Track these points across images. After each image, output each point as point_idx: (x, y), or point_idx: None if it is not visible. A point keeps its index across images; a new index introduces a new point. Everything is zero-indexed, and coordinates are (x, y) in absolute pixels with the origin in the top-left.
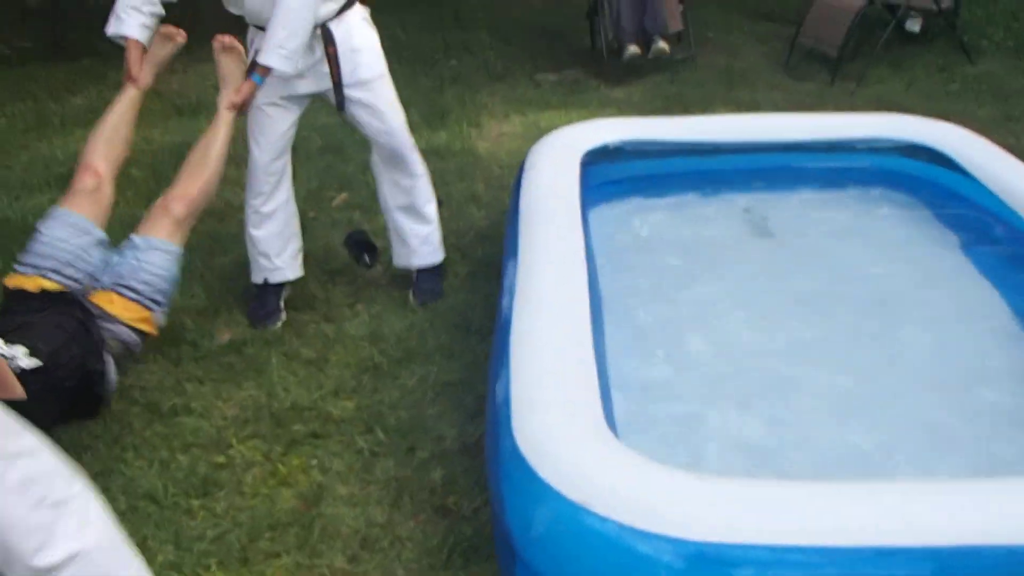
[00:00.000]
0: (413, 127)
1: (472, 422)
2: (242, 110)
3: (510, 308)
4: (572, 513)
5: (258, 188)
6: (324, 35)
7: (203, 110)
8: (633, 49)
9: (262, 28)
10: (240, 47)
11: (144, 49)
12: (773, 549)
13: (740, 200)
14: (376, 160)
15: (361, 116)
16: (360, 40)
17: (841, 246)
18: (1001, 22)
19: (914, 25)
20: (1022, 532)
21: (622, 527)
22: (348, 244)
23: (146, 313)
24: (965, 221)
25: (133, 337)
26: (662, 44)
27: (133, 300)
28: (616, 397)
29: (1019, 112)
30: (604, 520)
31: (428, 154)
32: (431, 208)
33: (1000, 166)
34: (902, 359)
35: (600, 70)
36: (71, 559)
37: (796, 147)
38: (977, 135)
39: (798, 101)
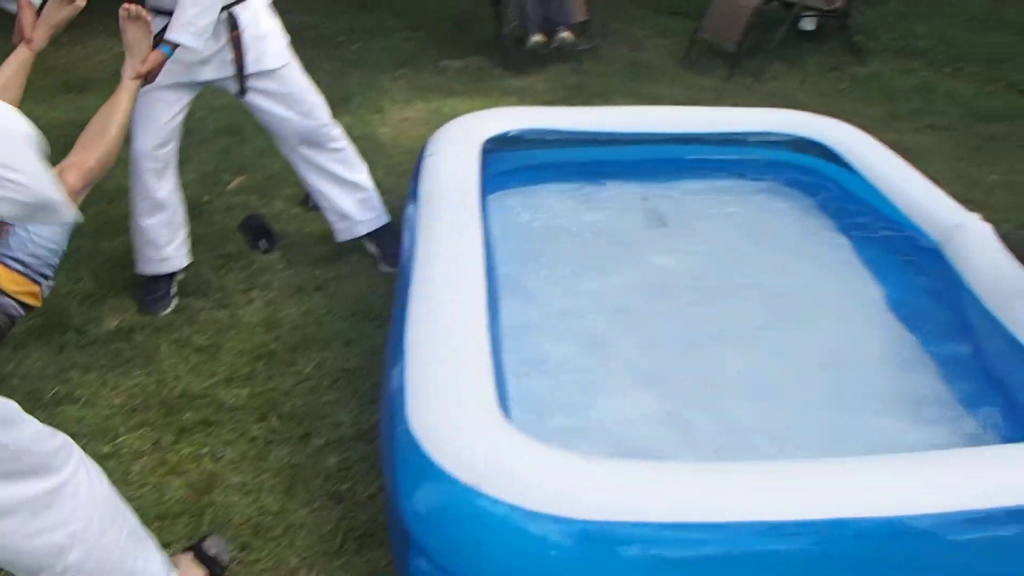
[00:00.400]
0: None
1: (369, 409)
2: (148, 80)
3: (406, 293)
4: (464, 495)
5: (142, 177)
6: (229, 20)
7: (92, 87)
8: (537, 38)
9: (162, 12)
10: (147, 16)
11: (37, 12)
12: (659, 526)
13: (637, 190)
14: (290, 145)
15: (267, 105)
16: (266, 27)
17: (733, 236)
18: (890, 24)
19: (809, 24)
20: (898, 505)
21: (513, 508)
22: (244, 229)
23: (33, 287)
24: (851, 214)
25: (17, 310)
26: (566, 34)
27: (21, 273)
28: (511, 381)
29: (904, 111)
30: (495, 501)
31: None
32: (363, 174)
33: (884, 162)
34: (790, 346)
35: (504, 58)
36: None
37: (692, 139)
38: (863, 132)
39: (697, 95)
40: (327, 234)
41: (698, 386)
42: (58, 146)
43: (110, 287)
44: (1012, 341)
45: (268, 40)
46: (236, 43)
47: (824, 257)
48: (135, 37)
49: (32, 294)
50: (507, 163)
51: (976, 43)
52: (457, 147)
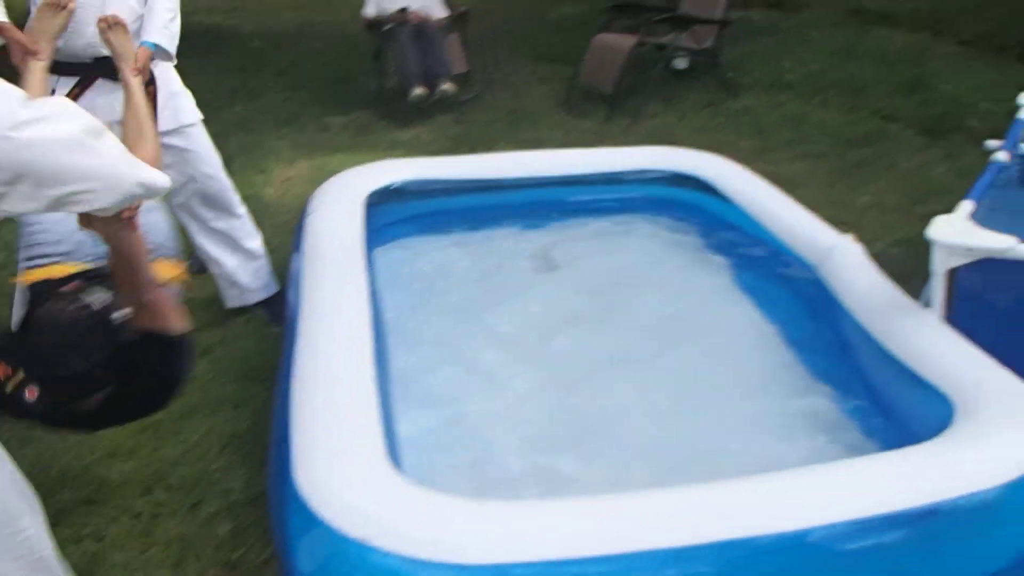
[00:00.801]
0: None
1: (260, 472)
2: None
3: (292, 350)
4: (356, 551)
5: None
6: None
7: None
8: (419, 91)
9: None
10: (123, 20)
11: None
12: (551, 564)
13: (522, 233)
14: (188, 207)
15: (175, 163)
16: (178, 84)
17: (619, 271)
18: (758, 60)
19: (681, 63)
20: (787, 519)
21: (404, 559)
22: None
23: (180, 266)
24: (731, 243)
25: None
26: (447, 85)
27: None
28: (400, 431)
29: (776, 142)
30: (386, 555)
31: None
32: (258, 242)
33: (758, 192)
34: (679, 372)
35: (388, 112)
36: None
37: (575, 181)
38: (738, 164)
39: (578, 138)
40: (211, 297)
41: (590, 417)
42: None
43: None
44: (884, 354)
45: (182, 97)
46: (152, 97)
47: (707, 285)
48: (120, 43)
49: (182, 274)
50: (391, 215)
51: (840, 74)
52: (340, 201)
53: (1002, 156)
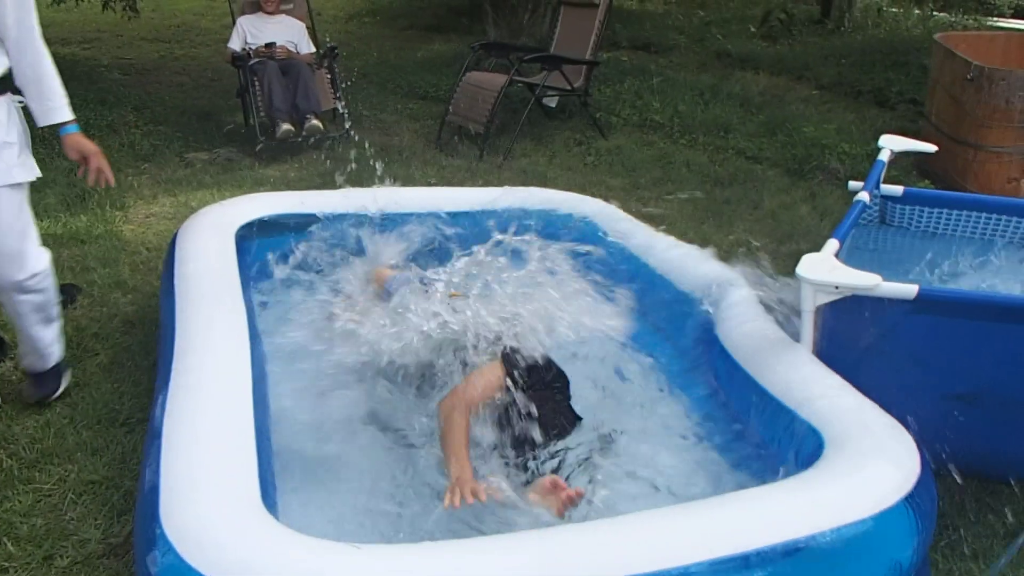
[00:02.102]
0: (50, 210)
1: (119, 521)
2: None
3: (166, 387)
4: None
5: None
6: None
7: None
8: (286, 127)
9: None
10: None
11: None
12: None
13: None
14: None
15: None
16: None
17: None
18: (627, 101)
19: (551, 101)
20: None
21: None
22: None
23: None
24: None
25: None
26: (315, 122)
27: None
28: (277, 471)
29: (645, 181)
30: None
31: (67, 239)
32: (58, 308)
33: (630, 230)
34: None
35: (254, 149)
36: None
37: (446, 218)
38: (611, 204)
39: (450, 175)
40: (67, 338)
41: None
42: None
43: None
44: (757, 389)
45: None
46: None
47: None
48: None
49: None
50: (264, 248)
51: (706, 115)
52: (211, 235)
53: (864, 196)
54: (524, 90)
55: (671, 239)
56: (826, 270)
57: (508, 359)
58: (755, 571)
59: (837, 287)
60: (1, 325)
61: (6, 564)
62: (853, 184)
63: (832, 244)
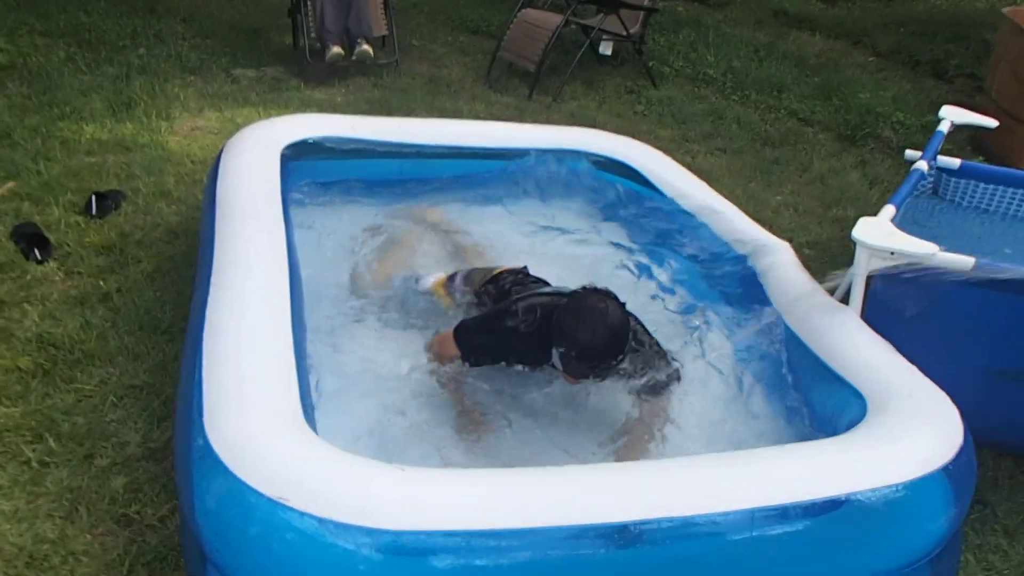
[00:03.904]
0: (96, 116)
1: (159, 426)
2: None
3: (205, 301)
4: (268, 510)
5: None
6: None
7: None
8: (336, 50)
9: None
10: None
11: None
12: (467, 534)
13: (440, 202)
14: None
15: None
16: None
17: (534, 249)
18: (681, 52)
19: (606, 48)
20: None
21: (320, 521)
22: (16, 237)
23: None
24: (652, 232)
25: None
26: (366, 47)
27: None
28: (315, 391)
29: (694, 134)
30: (301, 515)
31: (113, 146)
32: None
33: (679, 180)
34: None
35: (302, 70)
36: None
37: (495, 154)
38: (661, 152)
39: (498, 112)
40: (110, 243)
41: (505, 391)
42: None
43: None
44: (804, 350)
45: None
46: None
47: (628, 274)
48: None
49: None
50: (308, 171)
51: (759, 73)
52: (257, 153)
53: (922, 166)
54: (578, 32)
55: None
56: (882, 235)
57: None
58: (792, 523)
59: (892, 253)
60: (46, 225)
61: (48, 459)
62: (910, 153)
63: (889, 210)
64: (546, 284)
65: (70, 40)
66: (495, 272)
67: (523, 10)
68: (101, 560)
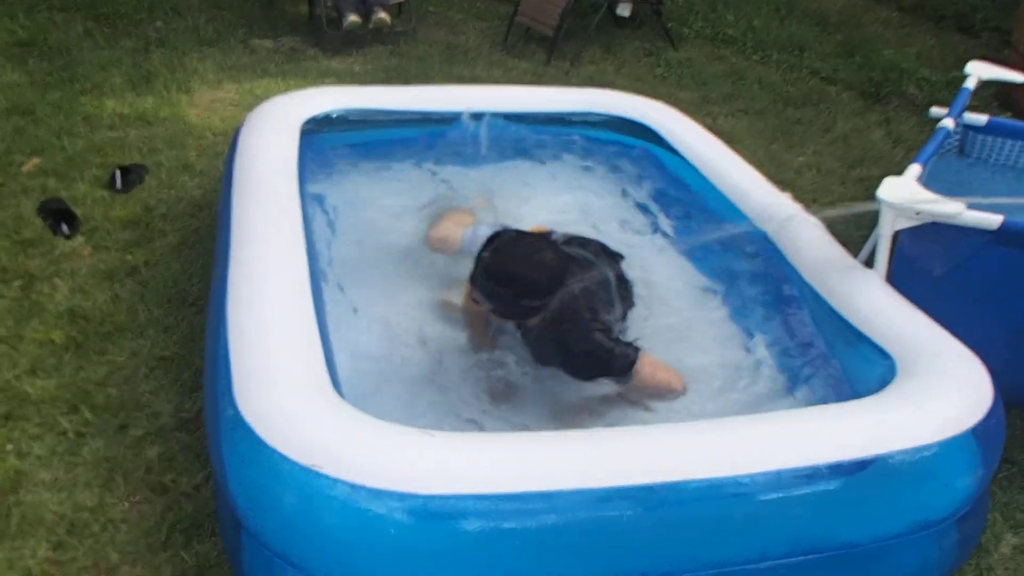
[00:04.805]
0: (116, 90)
1: (190, 397)
2: None
3: (226, 275)
4: (301, 477)
5: None
6: None
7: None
8: (353, 19)
9: None
10: None
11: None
12: (496, 498)
13: (461, 169)
14: None
15: None
16: None
17: (555, 213)
18: (700, 13)
19: (624, 10)
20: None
21: (351, 487)
22: (43, 212)
23: None
24: (672, 196)
25: None
26: (383, 15)
27: None
28: (339, 360)
29: (715, 95)
30: (332, 481)
31: (134, 120)
32: None
33: (700, 142)
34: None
35: (319, 39)
36: None
37: (515, 119)
38: (681, 113)
39: (516, 78)
40: (136, 217)
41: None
42: None
43: None
44: (831, 312)
45: None
46: None
47: (649, 238)
48: None
49: None
50: (327, 143)
51: (781, 32)
52: (275, 126)
53: (948, 123)
54: None
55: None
56: (908, 194)
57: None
58: (819, 484)
59: (918, 212)
60: (72, 200)
61: (84, 429)
62: (935, 110)
63: (915, 169)
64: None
65: (87, 14)
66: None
67: None
68: (139, 527)
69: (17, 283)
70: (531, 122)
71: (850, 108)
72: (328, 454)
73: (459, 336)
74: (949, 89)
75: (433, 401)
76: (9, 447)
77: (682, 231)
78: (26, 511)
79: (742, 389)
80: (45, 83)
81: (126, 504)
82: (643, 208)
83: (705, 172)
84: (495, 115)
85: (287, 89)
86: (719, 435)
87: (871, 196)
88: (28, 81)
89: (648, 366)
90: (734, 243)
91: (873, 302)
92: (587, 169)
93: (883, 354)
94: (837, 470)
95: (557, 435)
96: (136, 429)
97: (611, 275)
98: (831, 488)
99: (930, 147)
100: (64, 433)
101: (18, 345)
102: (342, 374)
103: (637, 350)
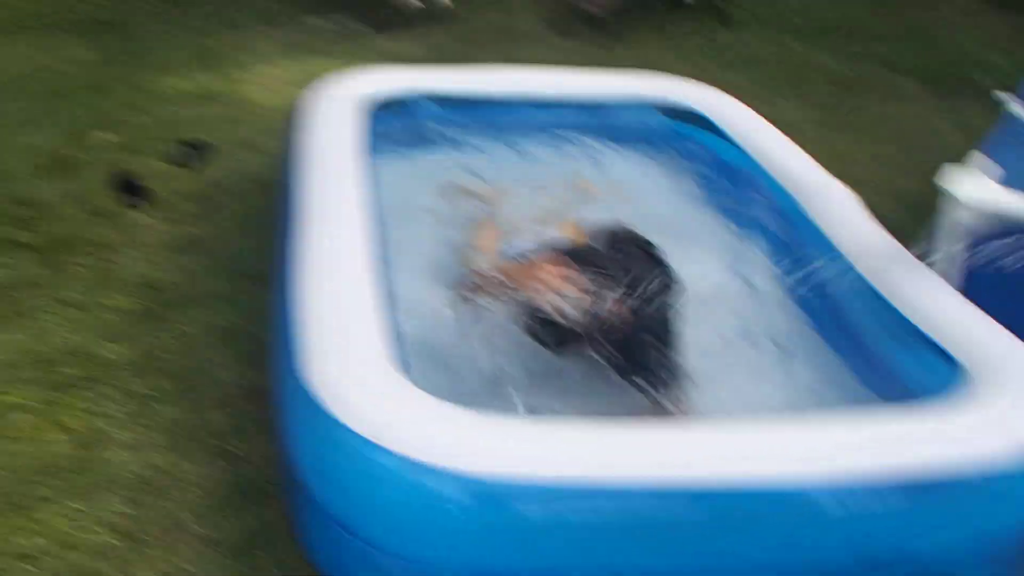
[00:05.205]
0: (178, 66)
1: (253, 367)
2: None
3: (291, 251)
4: (361, 448)
5: None
6: None
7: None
8: (417, 2)
9: None
10: None
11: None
12: (554, 483)
13: (520, 153)
14: None
15: None
16: None
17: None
18: None
19: None
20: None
21: (411, 462)
22: (114, 185)
23: None
24: (723, 182)
25: None
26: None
27: None
28: (403, 339)
29: (772, 84)
30: (393, 455)
31: (195, 96)
32: None
33: (759, 133)
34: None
35: (374, 19)
36: None
37: (564, 103)
38: (737, 100)
39: (569, 60)
40: (200, 191)
41: None
42: None
43: None
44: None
45: None
46: None
47: (707, 229)
48: None
49: None
50: (390, 123)
51: (844, 17)
52: (338, 105)
53: (1018, 110)
54: None
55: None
56: (975, 188)
57: None
58: (886, 494)
59: (986, 208)
60: (140, 173)
61: (155, 393)
62: (1002, 95)
63: (981, 159)
64: None
65: None
66: None
67: None
68: (208, 490)
69: (90, 252)
70: (580, 107)
71: (914, 95)
72: (392, 430)
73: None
74: (1020, 75)
75: (497, 382)
76: (87, 406)
77: (736, 224)
78: (103, 468)
79: (799, 389)
80: (116, 60)
81: (195, 467)
82: (695, 199)
83: (761, 162)
84: (545, 99)
85: (341, 68)
86: (780, 435)
87: (936, 189)
88: (101, 58)
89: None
90: (789, 236)
91: (935, 301)
92: (637, 157)
93: (948, 358)
94: (903, 480)
95: (622, 425)
96: (203, 397)
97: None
98: (897, 499)
99: (998, 135)
100: (137, 396)
101: (94, 311)
102: (409, 350)
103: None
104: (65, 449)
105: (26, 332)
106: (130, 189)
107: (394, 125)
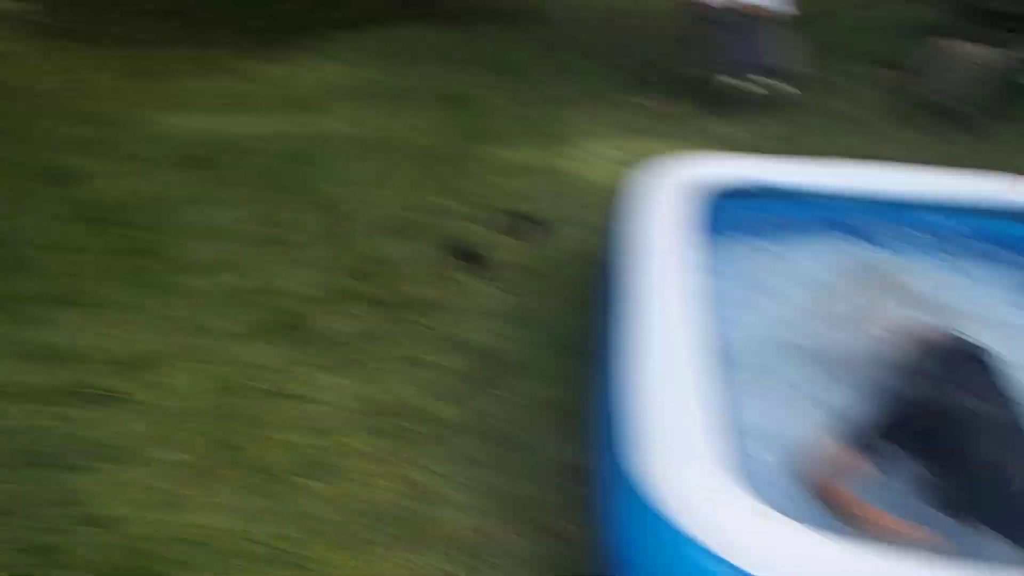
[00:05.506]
0: (500, 137)
1: (574, 443)
2: None
3: (619, 335)
4: (688, 549)
5: None
6: None
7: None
8: (744, 84)
9: None
10: None
11: None
12: None
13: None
14: None
15: None
16: None
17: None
18: None
19: None
20: None
21: (737, 571)
22: (452, 251)
23: None
24: None
25: None
26: (777, 82)
27: None
28: (740, 444)
29: None
30: (720, 561)
31: (518, 170)
32: None
33: None
34: None
35: (705, 102)
36: None
37: (934, 207)
38: None
39: (916, 155)
40: (530, 264)
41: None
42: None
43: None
44: None
45: None
46: None
47: None
48: None
49: None
50: (728, 212)
51: None
52: (676, 189)
53: None
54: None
55: None
56: None
57: None
58: None
59: None
60: (477, 243)
61: (481, 458)
62: None
63: None
64: None
65: (502, 73)
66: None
67: (946, 41)
68: (517, 557)
69: (425, 311)
70: (933, 209)
71: None
72: (717, 532)
73: None
74: None
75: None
76: (420, 461)
77: None
78: (436, 526)
79: None
80: (462, 131)
81: (516, 537)
82: None
83: None
84: (901, 201)
85: (670, 149)
86: None
87: None
88: (448, 128)
89: None
90: None
91: None
92: (992, 267)
93: None
94: None
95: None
96: (527, 468)
97: None
98: None
99: None
100: (464, 457)
101: (426, 368)
102: (744, 456)
103: None
104: (398, 499)
105: (365, 381)
106: (468, 256)
107: (730, 213)
